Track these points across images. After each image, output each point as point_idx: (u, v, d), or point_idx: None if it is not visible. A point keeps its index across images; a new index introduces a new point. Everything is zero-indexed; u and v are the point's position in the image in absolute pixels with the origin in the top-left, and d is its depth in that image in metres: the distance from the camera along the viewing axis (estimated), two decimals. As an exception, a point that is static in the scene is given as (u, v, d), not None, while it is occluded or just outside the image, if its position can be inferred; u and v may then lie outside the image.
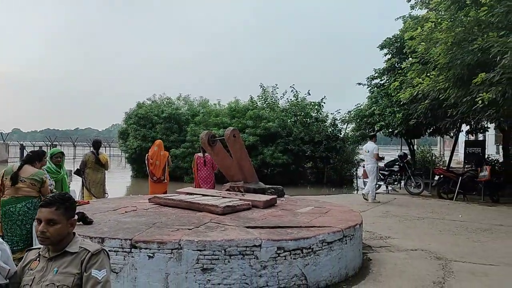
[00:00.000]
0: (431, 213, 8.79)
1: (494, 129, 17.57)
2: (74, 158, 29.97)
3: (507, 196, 11.70)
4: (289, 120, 18.56)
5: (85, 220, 4.18)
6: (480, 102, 7.68)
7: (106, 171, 8.23)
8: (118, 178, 20.18)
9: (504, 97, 7.49)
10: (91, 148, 8.35)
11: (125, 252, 3.68)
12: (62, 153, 6.48)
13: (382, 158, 11.67)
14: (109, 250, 3.56)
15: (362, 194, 10.93)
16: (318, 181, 18.27)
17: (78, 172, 8.08)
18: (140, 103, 22.58)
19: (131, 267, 3.67)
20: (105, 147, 39.31)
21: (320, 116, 19.31)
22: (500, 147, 16.37)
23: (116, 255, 3.69)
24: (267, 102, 19.95)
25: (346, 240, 4.42)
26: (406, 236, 6.58)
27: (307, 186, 17.47)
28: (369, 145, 10.96)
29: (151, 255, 3.65)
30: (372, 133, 12.03)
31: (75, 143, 41.18)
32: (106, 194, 8.08)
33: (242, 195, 5.87)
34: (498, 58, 7.12)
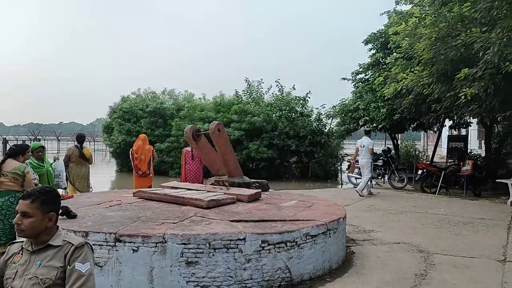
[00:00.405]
0: (414, 207, 8.93)
1: (476, 124, 17.90)
2: (58, 153, 29.53)
3: (489, 190, 11.96)
4: (274, 115, 18.58)
5: (69, 214, 4.15)
6: (463, 97, 7.82)
7: (90, 165, 8.16)
8: (103, 173, 19.97)
9: (487, 93, 7.63)
10: (75, 142, 8.26)
11: (110, 246, 3.68)
12: (43, 147, 6.44)
13: (376, 154, 11.88)
14: (93, 244, 3.55)
15: (356, 190, 11.06)
16: (302, 176, 18.37)
17: None
18: (124, 97, 22.38)
19: (115, 261, 3.66)
20: (90, 141, 38.90)
21: (305, 111, 19.37)
22: (482, 142, 16.68)
23: (101, 249, 3.68)
24: (252, 97, 19.94)
25: (329, 234, 4.47)
26: (389, 230, 6.68)
27: (291, 181, 17.55)
28: (365, 140, 11.14)
29: (136, 249, 3.65)
30: (368, 129, 12.18)
31: (59, 137, 40.59)
32: (90, 189, 8.02)
33: (227, 189, 5.89)
34: (480, 53, 7.24)
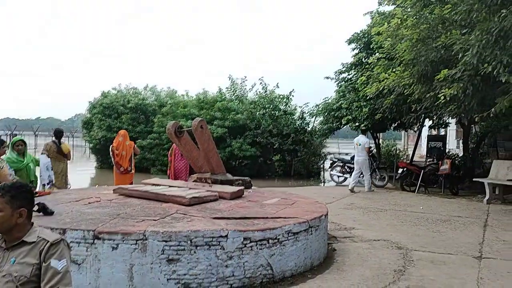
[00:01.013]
0: (394, 205, 9.05)
1: (455, 124, 18.21)
2: (35, 148, 28.95)
3: (466, 189, 12.21)
4: (257, 113, 18.57)
5: (46, 211, 4.06)
6: (442, 98, 7.93)
7: (68, 161, 8.01)
8: (82, 169, 19.69)
9: (465, 94, 7.75)
10: (53, 137, 8.09)
11: (88, 243, 3.61)
12: (23, 141, 6.31)
13: (372, 151, 12.10)
14: (71, 242, 3.50)
15: (349, 189, 11.26)
16: (285, 174, 18.43)
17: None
18: (105, 92, 22.03)
19: (94, 258, 3.60)
20: (68, 137, 38.18)
21: (289, 109, 19.42)
22: (460, 142, 16.99)
23: (79, 246, 3.61)
24: (235, 94, 19.89)
25: (311, 231, 4.49)
26: (369, 227, 6.76)
27: (274, 179, 17.59)
28: (361, 139, 11.37)
29: (115, 246, 3.59)
30: (364, 128, 12.36)
31: (37, 132, 39.75)
32: (68, 185, 7.87)
33: (209, 186, 5.86)
34: (460, 55, 7.35)
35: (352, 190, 11.11)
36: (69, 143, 18.30)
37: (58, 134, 8.01)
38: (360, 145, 11.25)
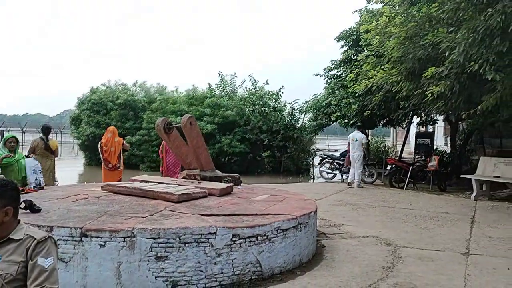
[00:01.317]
0: (383, 202, 9.12)
1: (442, 121, 18.39)
2: (22, 145, 28.57)
3: (454, 186, 12.36)
4: (247, 109, 18.56)
5: (33, 208, 4.01)
6: (429, 95, 8.01)
7: (56, 158, 7.93)
8: (70, 166, 19.49)
9: (452, 91, 7.84)
10: (41, 134, 8.00)
11: (75, 241, 3.57)
12: (16, 138, 6.29)
13: (369, 147, 12.41)
14: (58, 239, 3.45)
15: (348, 183, 11.62)
16: (275, 170, 18.47)
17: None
18: (93, 88, 21.81)
19: (81, 256, 3.56)
20: (56, 133, 37.78)
21: (278, 105, 19.44)
22: (448, 139, 17.17)
23: (66, 244, 3.57)
24: (225, 91, 19.84)
25: (300, 228, 4.50)
26: (358, 224, 6.80)
27: (264, 175, 17.61)
28: (357, 134, 11.55)
29: (103, 243, 3.56)
30: (359, 124, 12.50)
31: (24, 129, 39.24)
32: (56, 182, 7.80)
33: (198, 183, 5.83)
34: (447, 53, 7.41)
35: (351, 185, 11.44)
36: (57, 139, 18.08)
37: (46, 130, 7.93)
38: (356, 140, 11.42)
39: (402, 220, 7.21)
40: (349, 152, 11.81)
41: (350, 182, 11.55)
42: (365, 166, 13.22)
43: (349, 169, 14.20)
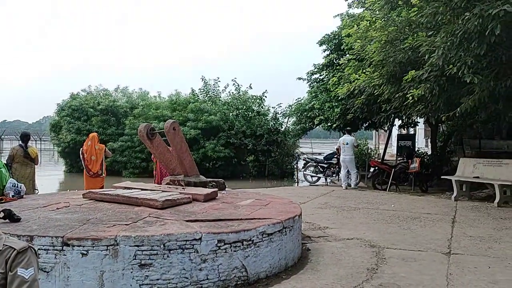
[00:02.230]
0: (367, 204, 9.19)
1: (423, 123, 18.67)
2: (1, 152, 28.03)
3: (435, 187, 12.53)
4: (231, 114, 18.57)
5: (12, 218, 3.92)
6: (410, 98, 8.13)
7: (36, 165, 7.78)
8: (50, 173, 19.16)
9: (432, 94, 7.97)
10: (20, 141, 7.84)
11: (57, 250, 3.50)
12: None
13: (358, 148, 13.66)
14: (39, 249, 3.39)
15: (347, 185, 11.99)
16: (259, 174, 18.49)
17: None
18: (74, 94, 21.52)
19: (63, 266, 3.49)
20: (36, 140, 37.15)
21: (262, 109, 19.49)
22: (429, 140, 17.43)
23: (47, 253, 3.50)
24: (208, 95, 19.81)
25: (285, 231, 4.50)
26: (343, 226, 6.83)
27: (249, 179, 17.61)
28: (347, 138, 11.96)
29: (85, 252, 3.49)
30: (349, 128, 12.76)
31: (2, 136, 38.46)
32: (36, 190, 7.66)
33: (183, 188, 5.79)
34: (426, 56, 7.53)
35: (348, 187, 11.87)
36: (36, 147, 17.78)
37: (25, 137, 7.77)
38: (347, 144, 11.80)
39: (385, 221, 7.28)
40: (338, 156, 12.10)
41: (346, 186, 11.92)
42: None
43: (333, 172, 14.39)
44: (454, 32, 6.91)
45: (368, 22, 9.50)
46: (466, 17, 6.52)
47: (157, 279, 3.58)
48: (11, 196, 5.59)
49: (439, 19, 7.52)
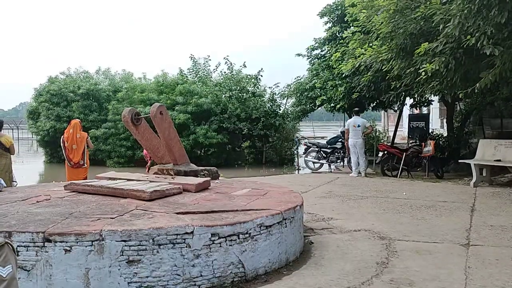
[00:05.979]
0: (375, 192, 9.25)
1: (438, 102, 18.69)
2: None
3: (451, 172, 12.59)
4: (223, 96, 18.51)
5: (-14, 213, 3.96)
6: (423, 73, 8.08)
7: (12, 156, 7.80)
8: (29, 164, 19.21)
9: (447, 68, 7.91)
10: (-8, 129, 7.84)
11: (38, 246, 3.54)
12: None
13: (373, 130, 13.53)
14: (18, 246, 3.44)
15: (358, 173, 11.92)
16: (256, 162, 18.54)
17: None
18: (52, 78, 21.39)
19: (45, 263, 3.54)
20: (13, 129, 37.08)
21: (258, 90, 19.42)
22: (444, 121, 17.45)
23: (27, 250, 3.54)
24: (198, 76, 19.72)
25: (285, 223, 4.55)
26: (349, 217, 6.88)
27: (244, 167, 17.68)
28: (358, 120, 11.93)
29: (68, 248, 3.54)
30: (357, 108, 12.69)
31: (-27, 125, 38.32)
32: (14, 182, 7.70)
33: (172, 178, 5.83)
34: (441, 26, 7.48)
35: (359, 175, 11.82)
36: (13, 135, 17.78)
37: (-2, 125, 7.78)
38: (359, 126, 11.74)
39: (396, 211, 7.33)
40: (347, 140, 12.02)
41: (357, 174, 11.84)
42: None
43: (338, 158, 14.41)
44: (472, -2, 6.84)
45: (375, -12, 9.42)
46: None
47: (147, 277, 3.63)
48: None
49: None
